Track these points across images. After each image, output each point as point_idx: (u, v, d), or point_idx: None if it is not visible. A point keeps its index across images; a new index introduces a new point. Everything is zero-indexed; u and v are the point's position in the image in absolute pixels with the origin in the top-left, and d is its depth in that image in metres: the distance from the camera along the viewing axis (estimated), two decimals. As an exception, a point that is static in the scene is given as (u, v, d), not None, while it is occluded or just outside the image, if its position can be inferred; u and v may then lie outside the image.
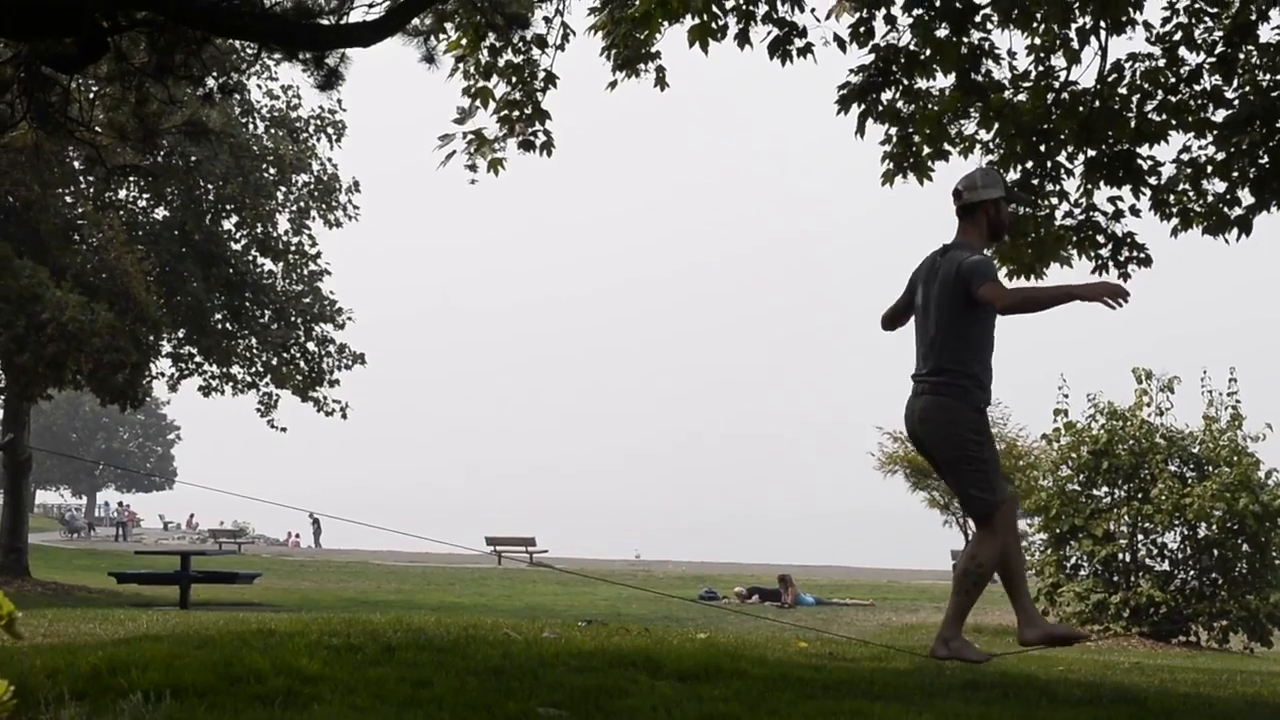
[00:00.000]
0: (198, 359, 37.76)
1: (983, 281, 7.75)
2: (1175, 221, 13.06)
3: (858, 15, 12.52)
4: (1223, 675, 10.53)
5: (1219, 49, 12.61)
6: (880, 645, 10.61)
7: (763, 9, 12.45)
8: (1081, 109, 12.84)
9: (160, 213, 36.23)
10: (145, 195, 35.80)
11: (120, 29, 9.94)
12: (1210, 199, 12.76)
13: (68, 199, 32.46)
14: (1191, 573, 24.06)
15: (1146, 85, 12.78)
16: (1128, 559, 24.26)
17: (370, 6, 10.36)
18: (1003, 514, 8.01)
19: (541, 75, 13.37)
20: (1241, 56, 12.68)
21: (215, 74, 11.75)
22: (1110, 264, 13.21)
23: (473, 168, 13.50)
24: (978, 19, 12.48)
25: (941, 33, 12.40)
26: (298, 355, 37.62)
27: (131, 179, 32.99)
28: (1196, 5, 12.64)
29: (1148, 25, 12.55)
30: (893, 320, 8.59)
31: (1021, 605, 8.32)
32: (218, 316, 36.63)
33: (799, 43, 12.40)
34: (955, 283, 7.85)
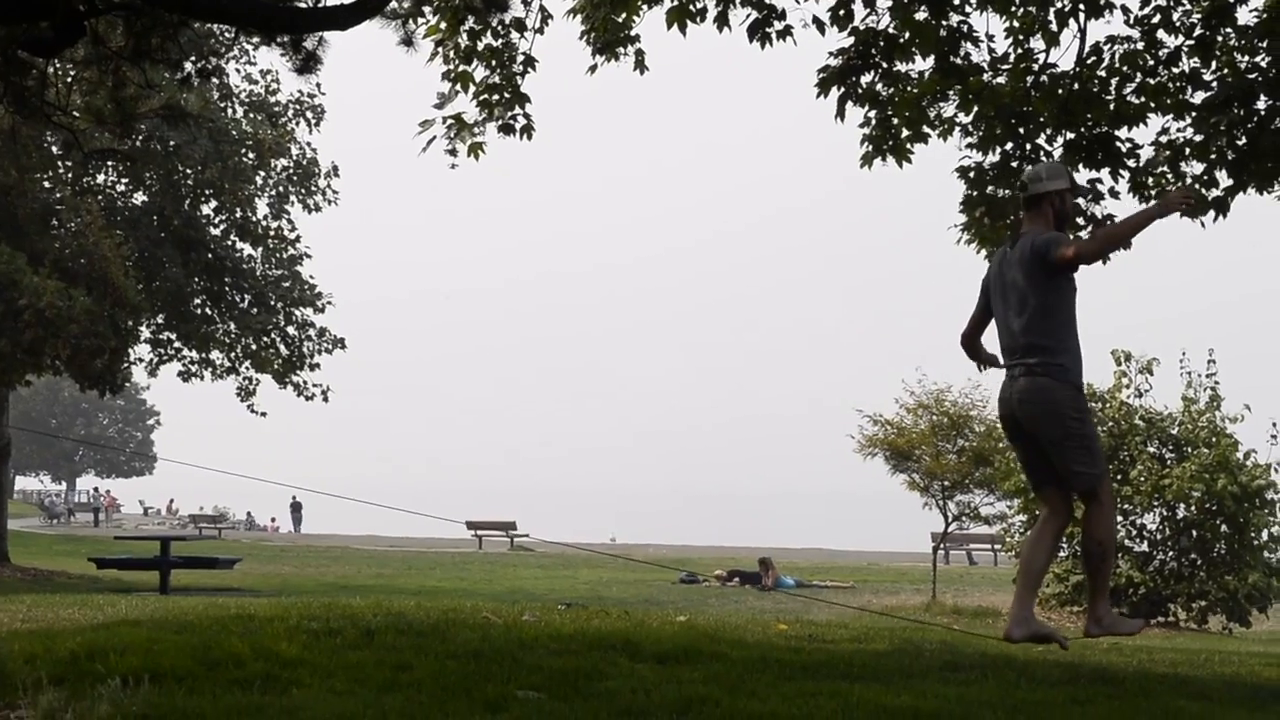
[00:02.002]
0: (177, 344, 37.62)
1: (1058, 245, 7.79)
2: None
3: (837, -2, 12.52)
4: (1200, 655, 10.58)
5: (1197, 32, 12.62)
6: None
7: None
8: (1060, 91, 12.85)
9: (139, 197, 36.08)
10: (124, 180, 35.66)
11: (96, 12, 9.89)
12: (1188, 181, 12.77)
13: (45, 184, 32.31)
14: (1170, 554, 24.12)
15: (1125, 68, 12.79)
16: (1107, 540, 24.27)
17: (348, -11, 10.31)
18: (1106, 486, 8.05)
19: (521, 59, 13.35)
20: (1220, 39, 12.70)
21: (193, 58, 11.71)
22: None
23: (453, 152, 13.47)
24: (956, 2, 12.49)
25: (920, 15, 12.42)
26: (277, 339, 37.53)
27: (109, 163, 32.90)
28: (1175, -12, 12.66)
29: (1126, 9, 12.56)
30: (974, 332, 8.64)
31: (1024, 602, 8.24)
32: (197, 301, 36.50)
33: (778, 25, 12.41)
34: (1032, 260, 7.88)
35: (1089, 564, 8.20)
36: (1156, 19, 12.68)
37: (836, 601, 23.68)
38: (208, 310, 36.84)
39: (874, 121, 13.09)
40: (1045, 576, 23.50)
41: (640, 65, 13.28)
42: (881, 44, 12.63)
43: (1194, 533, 23.63)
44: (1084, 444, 7.96)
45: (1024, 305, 7.96)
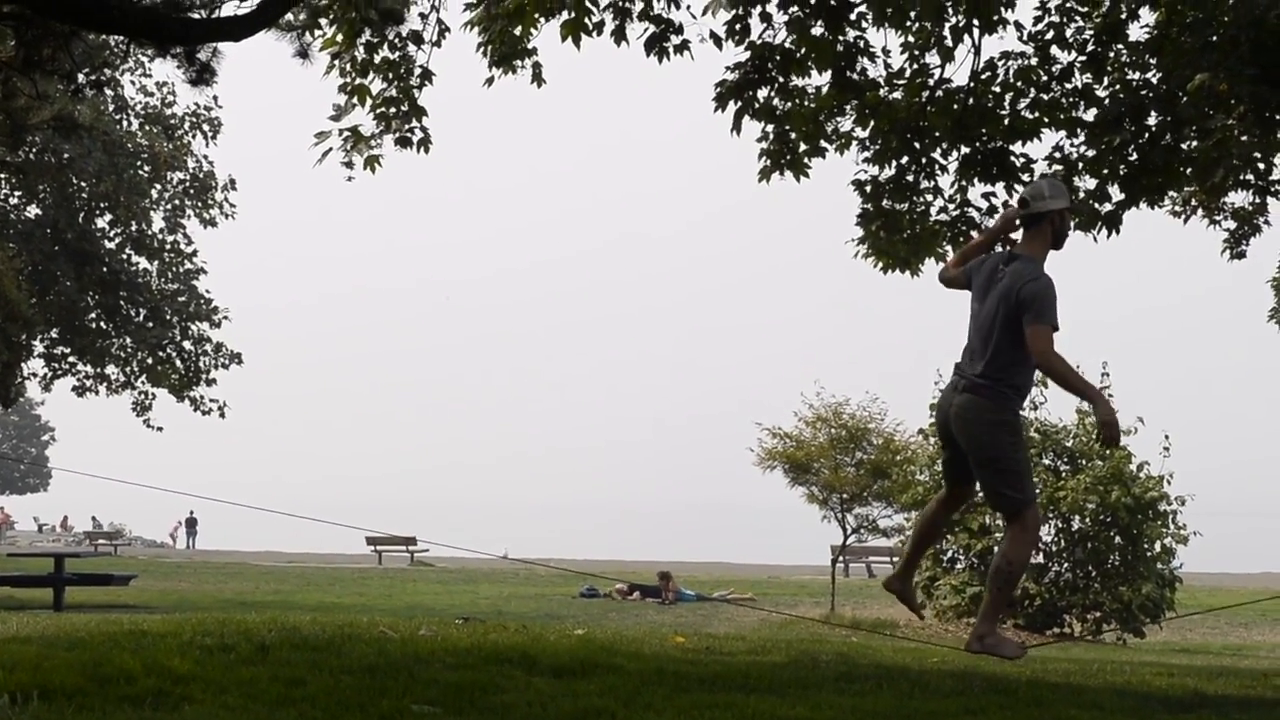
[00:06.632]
0: (71, 359, 37.25)
1: (1034, 321, 7.75)
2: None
3: (734, 13, 12.56)
4: (1094, 665, 10.69)
5: (1090, 48, 12.81)
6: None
7: (639, 5, 12.48)
8: (955, 106, 12.98)
9: (32, 210, 35.74)
10: (16, 192, 35.29)
11: (-15, 22, 9.77)
12: (1081, 196, 12.93)
13: (-65, 197, 31.96)
14: (1065, 565, 24.33)
15: (1019, 83, 12.95)
16: (1003, 552, 24.43)
17: (241, 0, 10.24)
18: (1032, 512, 8.09)
19: (418, 72, 13.31)
20: (1111, 55, 12.88)
21: (85, 69, 11.57)
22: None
23: (349, 165, 13.40)
24: (852, 17, 12.57)
25: (817, 31, 12.49)
26: (173, 354, 37.24)
27: (1, 176, 32.51)
28: (1068, 4, 12.85)
29: (1019, 25, 12.73)
30: (948, 284, 8.65)
31: (907, 565, 8.99)
32: (91, 315, 36.17)
33: (675, 40, 12.44)
34: (1014, 305, 7.85)
35: (994, 580, 8.23)
36: (1050, 35, 12.85)
37: (736, 609, 23.69)
38: (102, 324, 36.50)
39: (771, 136, 13.17)
40: (952, 587, 23.71)
41: (538, 78, 13.28)
42: (778, 59, 12.69)
43: (1089, 544, 23.85)
44: (1014, 468, 8.00)
45: (991, 333, 7.93)
